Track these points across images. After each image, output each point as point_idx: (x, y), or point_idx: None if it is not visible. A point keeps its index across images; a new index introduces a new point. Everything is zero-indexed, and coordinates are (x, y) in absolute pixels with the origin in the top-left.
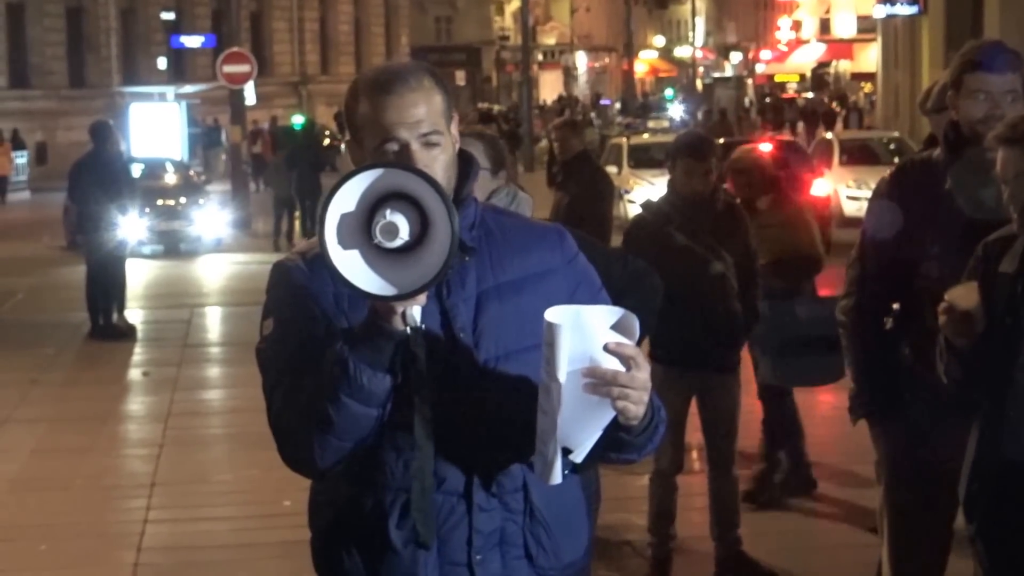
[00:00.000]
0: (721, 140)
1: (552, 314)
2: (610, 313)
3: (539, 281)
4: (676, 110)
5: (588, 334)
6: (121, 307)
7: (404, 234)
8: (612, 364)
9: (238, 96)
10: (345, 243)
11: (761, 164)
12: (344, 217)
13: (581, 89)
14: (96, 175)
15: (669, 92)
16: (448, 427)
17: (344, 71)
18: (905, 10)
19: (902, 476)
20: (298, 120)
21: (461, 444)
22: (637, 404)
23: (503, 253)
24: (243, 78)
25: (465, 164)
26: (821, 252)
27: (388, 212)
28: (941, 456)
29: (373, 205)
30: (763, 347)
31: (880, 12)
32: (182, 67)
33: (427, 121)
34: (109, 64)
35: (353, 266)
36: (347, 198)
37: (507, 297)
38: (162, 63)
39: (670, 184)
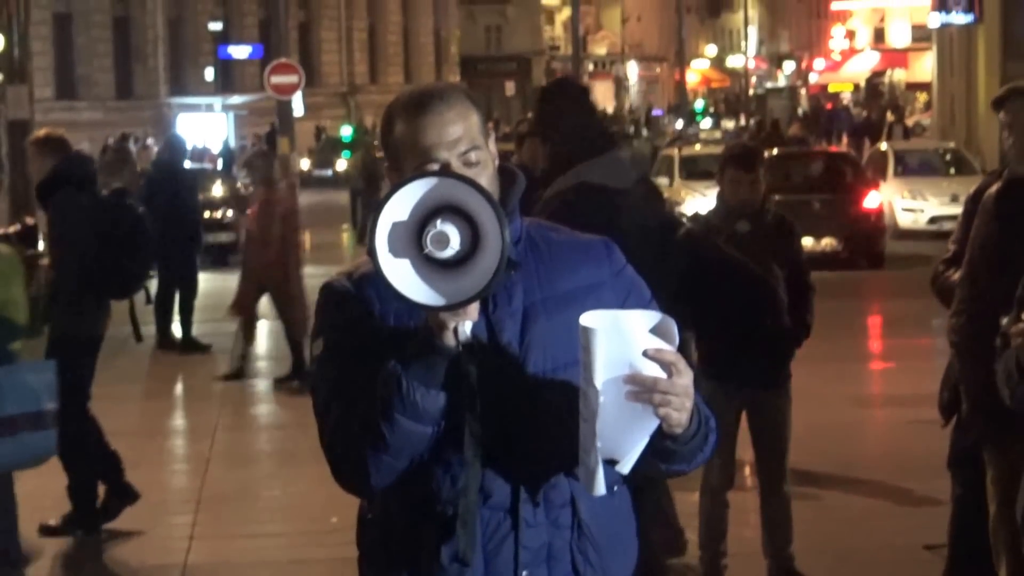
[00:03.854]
0: (775, 151)
1: (588, 318)
2: (648, 317)
3: (587, 295)
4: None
5: (627, 339)
6: (186, 322)
7: (455, 244)
8: (652, 370)
9: (286, 107)
10: (396, 252)
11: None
12: (396, 226)
13: (632, 99)
14: (172, 188)
15: (699, 104)
16: (495, 442)
17: (393, 81)
18: (960, 19)
19: (1011, 500)
20: (346, 131)
21: (508, 459)
22: (680, 411)
23: (550, 267)
24: (291, 89)
25: (508, 179)
26: None
27: (439, 222)
28: None
29: (425, 216)
30: None
31: (935, 21)
32: (230, 78)
33: (465, 139)
34: (156, 75)
35: (403, 275)
36: (400, 207)
37: (554, 311)
38: (209, 74)
39: (719, 195)
